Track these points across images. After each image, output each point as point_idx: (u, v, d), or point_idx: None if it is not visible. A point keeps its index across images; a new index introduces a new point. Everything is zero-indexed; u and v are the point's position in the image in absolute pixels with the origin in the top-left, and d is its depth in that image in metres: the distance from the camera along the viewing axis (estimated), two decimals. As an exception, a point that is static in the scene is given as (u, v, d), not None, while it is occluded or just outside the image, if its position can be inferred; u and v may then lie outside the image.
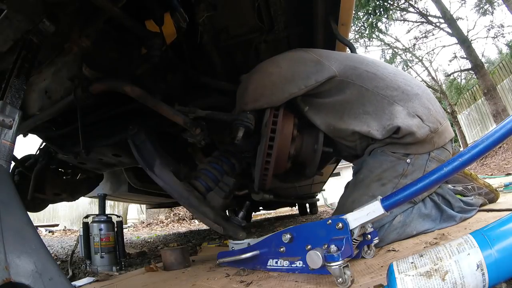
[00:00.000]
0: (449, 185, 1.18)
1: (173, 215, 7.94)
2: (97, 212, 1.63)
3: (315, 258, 0.72)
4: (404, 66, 15.52)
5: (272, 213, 8.23)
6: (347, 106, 1.16)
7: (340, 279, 0.70)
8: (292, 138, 1.27)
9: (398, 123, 1.05)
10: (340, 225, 0.78)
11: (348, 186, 1.21)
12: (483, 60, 11.72)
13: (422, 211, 1.08)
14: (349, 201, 1.11)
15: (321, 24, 1.53)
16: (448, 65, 40.39)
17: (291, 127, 1.26)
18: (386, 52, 16.02)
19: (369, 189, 1.09)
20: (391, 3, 11.61)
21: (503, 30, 13.11)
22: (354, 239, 0.82)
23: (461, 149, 1.12)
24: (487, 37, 13.99)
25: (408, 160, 1.09)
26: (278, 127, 1.17)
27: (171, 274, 1.21)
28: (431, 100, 1.15)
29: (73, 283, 1.22)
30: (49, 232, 6.42)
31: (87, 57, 1.06)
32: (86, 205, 7.78)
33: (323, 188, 4.51)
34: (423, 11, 12.47)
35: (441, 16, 10.22)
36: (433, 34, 17.23)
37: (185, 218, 7.63)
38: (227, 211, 3.80)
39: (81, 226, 1.57)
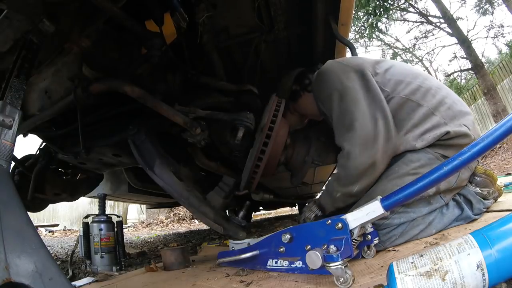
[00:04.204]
0: (478, 189, 1.17)
1: (173, 215, 7.93)
2: (97, 212, 1.63)
3: (314, 258, 0.72)
4: (404, 66, 15.50)
5: (272, 213, 8.23)
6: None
7: (342, 279, 0.70)
8: (284, 146, 1.28)
9: (448, 128, 1.08)
10: (340, 225, 0.78)
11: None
12: (483, 60, 11.74)
13: (443, 211, 1.09)
14: (379, 190, 1.07)
15: (321, 24, 1.53)
16: (448, 65, 40.39)
17: (286, 136, 1.28)
18: (386, 52, 16.05)
19: (402, 181, 1.04)
20: (391, 3, 11.60)
21: (503, 30, 13.17)
22: (354, 239, 0.82)
23: (461, 148, 1.12)
24: (487, 37, 14.03)
25: None
26: (273, 134, 1.18)
27: (171, 274, 1.21)
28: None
29: (73, 283, 1.22)
30: (49, 232, 6.42)
31: (87, 57, 1.06)
32: (86, 205, 7.77)
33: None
34: (423, 11, 12.48)
35: (441, 16, 10.22)
36: (433, 34, 17.28)
37: (185, 218, 7.63)
38: (227, 211, 3.80)
39: (81, 226, 1.57)
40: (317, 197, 1.32)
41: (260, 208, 5.16)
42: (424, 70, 16.08)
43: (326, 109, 1.25)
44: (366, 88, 1.13)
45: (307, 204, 1.35)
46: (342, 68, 1.22)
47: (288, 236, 0.90)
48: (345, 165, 1.10)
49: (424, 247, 0.91)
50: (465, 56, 10.19)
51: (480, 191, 1.17)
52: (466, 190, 1.15)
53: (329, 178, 1.27)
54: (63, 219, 8.25)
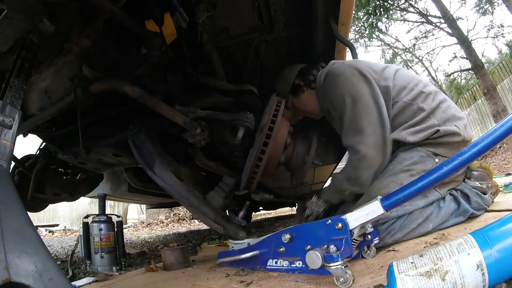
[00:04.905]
0: (477, 183, 1.20)
1: (173, 215, 7.93)
2: (97, 212, 1.63)
3: (314, 258, 0.72)
4: (404, 66, 15.53)
5: (272, 213, 8.22)
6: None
7: (342, 279, 0.70)
8: (284, 146, 1.28)
9: (439, 128, 1.13)
10: (340, 225, 0.78)
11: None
12: (483, 60, 11.73)
13: (441, 205, 1.11)
14: (375, 188, 1.13)
15: (321, 24, 1.53)
16: (448, 65, 40.25)
17: (286, 135, 1.28)
18: (386, 52, 16.05)
19: (397, 177, 1.12)
20: (391, 3, 11.60)
21: (503, 30, 13.16)
22: (354, 239, 0.82)
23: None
24: (487, 37, 14.03)
25: (436, 160, 1.15)
26: (273, 134, 1.18)
27: (171, 274, 1.21)
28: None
29: (73, 283, 1.22)
30: (49, 232, 6.41)
31: (87, 57, 1.06)
32: (86, 205, 7.76)
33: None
34: (423, 11, 12.48)
35: (441, 16, 10.22)
36: (433, 34, 17.27)
37: (185, 218, 7.62)
38: (227, 211, 3.80)
39: (81, 226, 1.57)
40: (321, 191, 1.32)
41: (260, 208, 5.16)
42: (424, 70, 16.12)
43: (337, 111, 1.27)
44: (373, 95, 1.19)
45: (309, 200, 1.33)
46: (352, 72, 1.25)
47: (288, 236, 0.90)
48: (358, 166, 1.15)
49: (424, 247, 0.91)
50: (465, 56, 10.18)
51: (479, 185, 1.21)
52: (462, 185, 1.18)
53: (337, 176, 1.27)
54: (63, 219, 8.24)
